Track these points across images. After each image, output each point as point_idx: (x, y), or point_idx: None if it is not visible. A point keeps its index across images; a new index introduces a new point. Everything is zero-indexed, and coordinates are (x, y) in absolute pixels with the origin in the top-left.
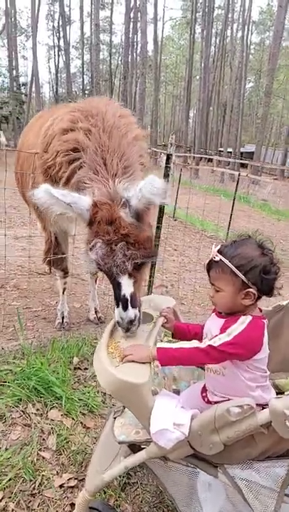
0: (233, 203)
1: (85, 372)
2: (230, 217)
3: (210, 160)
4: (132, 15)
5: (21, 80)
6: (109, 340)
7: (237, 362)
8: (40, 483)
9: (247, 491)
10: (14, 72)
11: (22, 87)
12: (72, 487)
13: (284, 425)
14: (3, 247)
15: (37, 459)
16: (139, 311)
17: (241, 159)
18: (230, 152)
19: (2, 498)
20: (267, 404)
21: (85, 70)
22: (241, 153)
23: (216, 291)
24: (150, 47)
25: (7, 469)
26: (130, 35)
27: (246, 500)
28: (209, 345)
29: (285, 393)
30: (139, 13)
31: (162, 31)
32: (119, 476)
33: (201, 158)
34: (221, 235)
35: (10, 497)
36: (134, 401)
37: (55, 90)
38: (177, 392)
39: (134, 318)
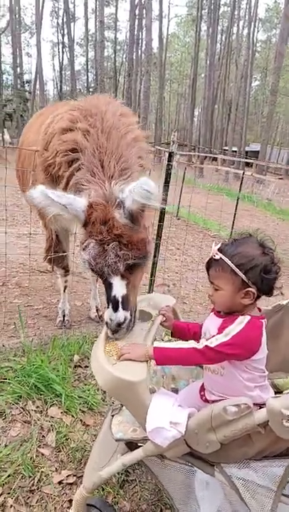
0: (237, 202)
1: (85, 370)
2: (234, 217)
3: (214, 159)
4: (137, 12)
5: (25, 77)
6: (107, 339)
7: (235, 362)
8: (39, 480)
9: (244, 490)
10: (18, 69)
11: (26, 85)
12: (70, 484)
13: (281, 425)
14: (5, 245)
15: (36, 456)
16: (132, 314)
17: (246, 158)
18: (235, 151)
19: (1, 494)
20: (265, 404)
21: (89, 67)
22: (246, 152)
23: (215, 289)
24: (155, 44)
25: (6, 465)
26: (135, 33)
27: (243, 500)
28: (206, 346)
29: (284, 392)
30: (144, 10)
31: (167, 28)
32: (118, 474)
33: (206, 157)
34: (224, 234)
35: (9, 493)
36: (131, 399)
37: (59, 88)
38: (176, 390)
39: (124, 320)
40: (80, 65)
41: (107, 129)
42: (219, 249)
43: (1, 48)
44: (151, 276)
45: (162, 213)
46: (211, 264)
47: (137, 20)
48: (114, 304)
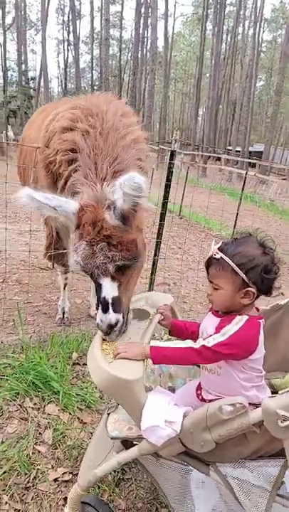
0: (240, 202)
1: (83, 367)
2: (236, 217)
3: (218, 159)
4: (142, 10)
5: (30, 74)
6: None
7: (232, 362)
8: (34, 477)
9: (238, 490)
10: (23, 66)
11: (31, 82)
12: (66, 481)
13: (276, 425)
14: (7, 242)
15: (32, 453)
16: (124, 317)
17: (250, 158)
18: (239, 151)
19: None
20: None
21: (94, 65)
22: (250, 152)
23: (214, 289)
24: (160, 43)
25: (2, 462)
26: (140, 31)
27: (237, 499)
28: (203, 346)
29: (279, 392)
30: (149, 9)
31: (173, 27)
32: (114, 472)
33: (209, 156)
34: (225, 234)
35: (4, 490)
36: (127, 397)
37: (63, 85)
38: (173, 389)
39: (116, 323)
40: (84, 62)
41: (106, 130)
42: (219, 249)
43: (6, 44)
44: (151, 275)
45: (163, 212)
46: (210, 263)
47: (142, 19)
48: (104, 305)
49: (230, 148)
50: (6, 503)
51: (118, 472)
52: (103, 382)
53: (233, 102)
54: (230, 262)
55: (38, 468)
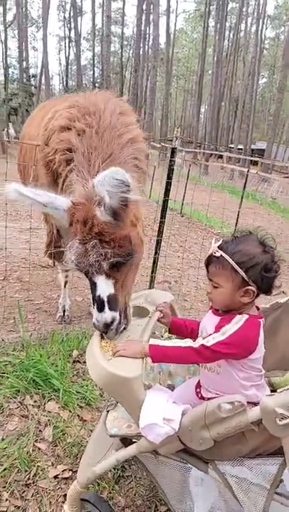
0: (241, 200)
1: (84, 365)
2: (238, 215)
3: (220, 156)
4: (144, 6)
5: (31, 71)
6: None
7: (232, 361)
8: (34, 474)
9: (237, 488)
10: (24, 63)
11: (32, 79)
12: (66, 478)
13: (274, 423)
14: (7, 240)
15: (33, 450)
16: (121, 314)
17: (252, 156)
18: (241, 149)
19: None
20: None
21: (95, 62)
22: (252, 150)
23: (214, 287)
24: (162, 40)
25: (2, 459)
26: (142, 28)
27: (236, 497)
28: (202, 345)
29: (278, 391)
30: (151, 5)
31: (175, 24)
32: (114, 469)
33: (211, 154)
34: (227, 232)
35: (4, 487)
36: (125, 395)
37: (65, 82)
38: (172, 387)
39: (112, 321)
40: (86, 59)
41: (102, 128)
42: (219, 247)
43: (8, 41)
44: (152, 273)
45: (164, 210)
46: (210, 261)
47: (144, 15)
48: (99, 304)
49: (232, 146)
50: (7, 499)
51: (118, 469)
52: (102, 379)
53: (235, 99)
54: (230, 261)
55: (38, 466)
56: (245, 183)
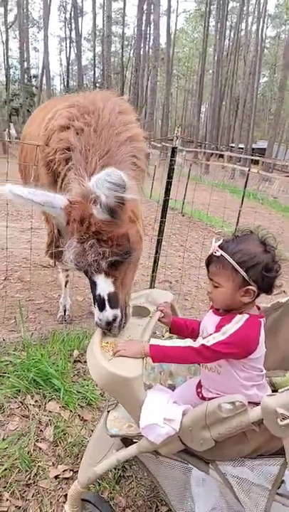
0: (242, 199)
1: (84, 365)
2: (239, 214)
3: (221, 156)
4: (144, 6)
5: (32, 72)
6: (104, 335)
7: (232, 361)
8: (35, 474)
9: (238, 488)
10: (25, 64)
11: (33, 79)
12: (67, 478)
13: (275, 423)
14: (8, 240)
15: (33, 450)
16: (122, 311)
17: (253, 155)
18: (242, 148)
19: None
20: None
21: (96, 62)
22: (253, 149)
23: (214, 286)
24: (163, 39)
25: (3, 459)
26: (143, 28)
27: (237, 498)
28: (202, 345)
29: (279, 391)
30: (152, 5)
31: (176, 24)
32: (114, 469)
33: (212, 153)
34: (228, 231)
35: (5, 487)
36: (126, 395)
37: (66, 83)
38: (173, 387)
39: (114, 319)
40: (87, 60)
41: (100, 127)
42: (220, 246)
43: (9, 42)
44: (152, 273)
45: (164, 209)
46: (211, 260)
47: (144, 15)
48: (99, 303)
49: (233, 145)
50: (7, 499)
51: (118, 470)
52: (102, 379)
53: (236, 98)
54: (230, 260)
55: (38, 466)
56: (246, 182)
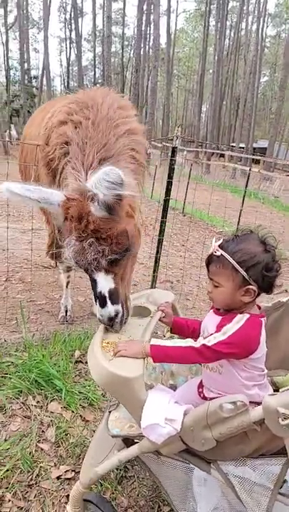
0: (243, 199)
1: (86, 365)
2: (240, 214)
3: (222, 155)
4: (144, 7)
5: (32, 73)
6: (104, 335)
7: (234, 361)
8: (37, 475)
9: (240, 488)
10: (25, 65)
11: (33, 80)
12: (69, 479)
13: (277, 423)
14: (9, 241)
15: (35, 451)
16: (123, 306)
17: (254, 155)
18: (243, 147)
19: None
20: None
21: (96, 62)
22: (254, 148)
23: (214, 286)
24: (163, 39)
25: (5, 460)
26: (143, 28)
27: (239, 498)
28: (203, 345)
29: (280, 390)
30: (152, 5)
31: (176, 23)
32: (116, 469)
33: (213, 153)
34: (229, 231)
35: (7, 487)
36: (127, 395)
37: (66, 83)
38: (174, 387)
39: (116, 315)
40: (87, 60)
41: (98, 120)
42: (220, 246)
43: (9, 43)
44: (153, 273)
45: (165, 209)
46: (211, 260)
47: (144, 16)
48: (101, 300)
49: (233, 144)
50: (9, 500)
51: (120, 470)
52: (102, 379)
53: (236, 97)
54: (230, 260)
55: (40, 466)
56: (247, 181)
